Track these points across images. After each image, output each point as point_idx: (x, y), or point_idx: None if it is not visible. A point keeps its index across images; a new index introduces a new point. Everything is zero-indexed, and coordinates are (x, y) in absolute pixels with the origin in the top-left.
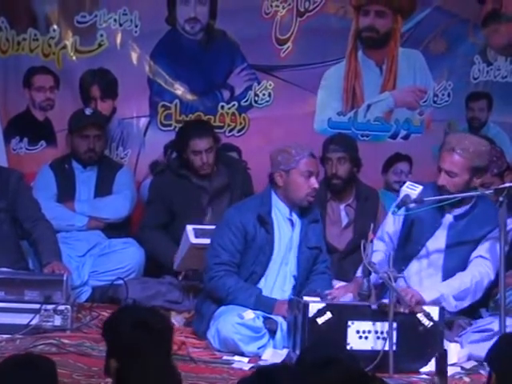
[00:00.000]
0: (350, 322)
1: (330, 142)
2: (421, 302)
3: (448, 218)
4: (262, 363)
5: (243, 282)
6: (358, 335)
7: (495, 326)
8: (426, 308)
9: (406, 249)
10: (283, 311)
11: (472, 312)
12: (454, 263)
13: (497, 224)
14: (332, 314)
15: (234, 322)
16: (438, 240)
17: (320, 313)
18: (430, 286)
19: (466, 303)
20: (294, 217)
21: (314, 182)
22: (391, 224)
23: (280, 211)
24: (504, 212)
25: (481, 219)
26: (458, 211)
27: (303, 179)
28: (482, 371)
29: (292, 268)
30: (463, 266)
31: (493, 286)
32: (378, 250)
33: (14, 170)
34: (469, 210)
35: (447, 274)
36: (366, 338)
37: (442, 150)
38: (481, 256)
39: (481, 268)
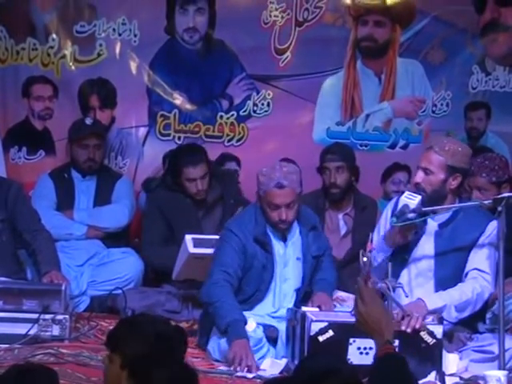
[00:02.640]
0: (351, 340)
1: (328, 152)
2: (423, 325)
3: (432, 225)
4: (260, 373)
5: (235, 300)
6: (358, 351)
7: (495, 349)
8: (430, 327)
9: (394, 259)
10: (237, 352)
11: (470, 323)
12: (447, 271)
13: (484, 228)
14: (334, 332)
15: None
16: (426, 248)
17: (322, 331)
18: (421, 295)
19: (465, 314)
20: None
21: (280, 215)
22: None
23: (272, 228)
24: (502, 222)
25: (467, 224)
26: (441, 218)
27: (269, 209)
28: (480, 382)
29: (293, 282)
30: (456, 274)
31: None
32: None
33: (14, 181)
34: (452, 215)
35: (440, 283)
36: (367, 353)
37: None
38: (477, 269)
39: (481, 281)
